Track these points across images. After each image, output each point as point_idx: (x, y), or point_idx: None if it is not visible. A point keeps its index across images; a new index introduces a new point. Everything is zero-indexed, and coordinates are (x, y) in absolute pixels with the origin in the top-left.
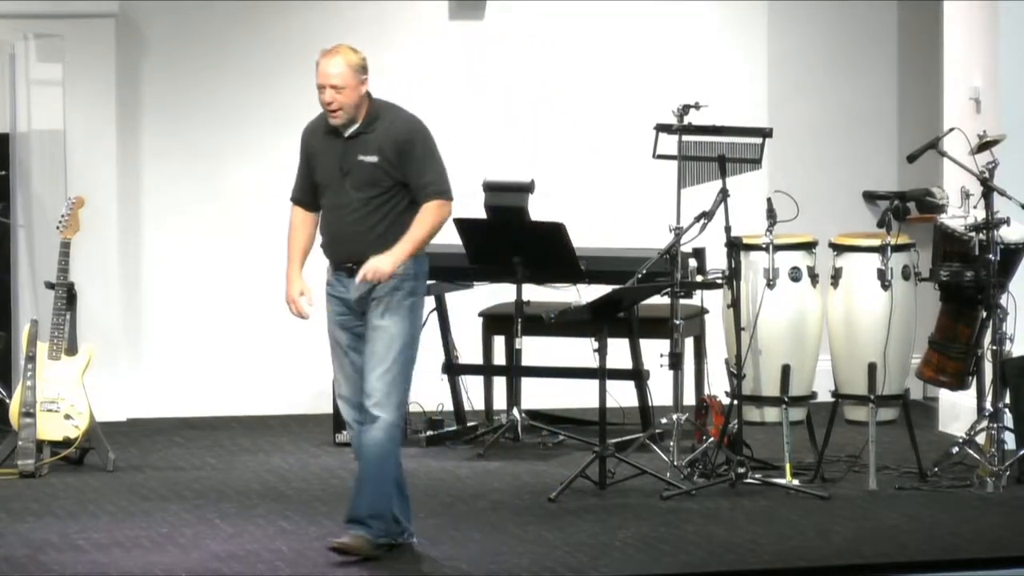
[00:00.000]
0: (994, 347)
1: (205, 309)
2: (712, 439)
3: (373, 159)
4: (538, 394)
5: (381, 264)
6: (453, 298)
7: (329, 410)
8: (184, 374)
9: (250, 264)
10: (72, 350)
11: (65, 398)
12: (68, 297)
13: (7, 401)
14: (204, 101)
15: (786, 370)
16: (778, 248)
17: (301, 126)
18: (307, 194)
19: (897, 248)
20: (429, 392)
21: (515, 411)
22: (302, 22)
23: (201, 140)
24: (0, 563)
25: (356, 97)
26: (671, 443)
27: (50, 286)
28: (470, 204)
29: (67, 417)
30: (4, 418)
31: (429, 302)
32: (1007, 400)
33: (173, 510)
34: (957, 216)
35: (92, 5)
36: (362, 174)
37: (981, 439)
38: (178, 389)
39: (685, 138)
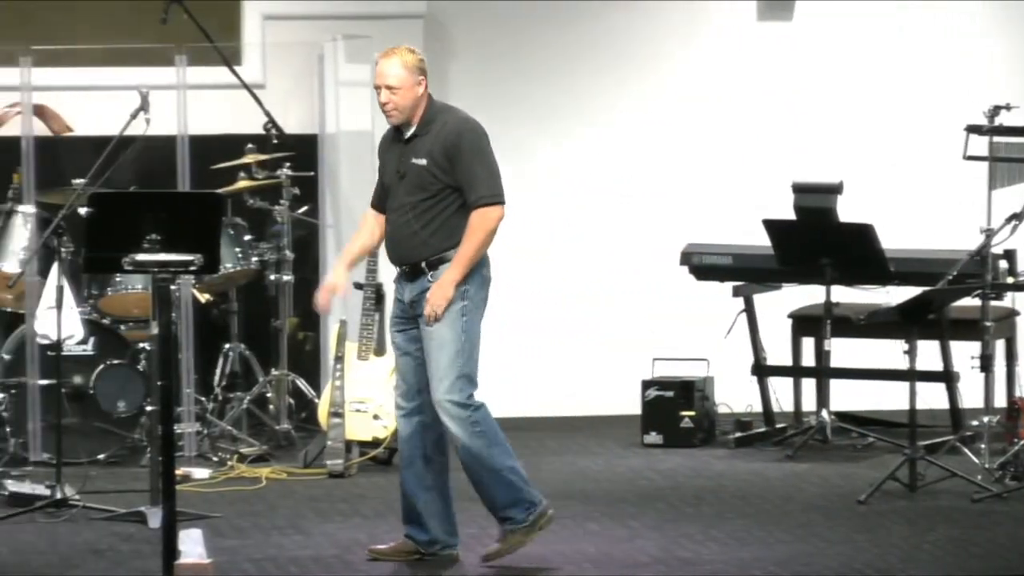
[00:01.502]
0: None
1: (512, 309)
2: (1023, 442)
3: (422, 162)
4: (847, 395)
5: (434, 298)
6: (762, 299)
7: (637, 411)
8: (491, 375)
9: (558, 261)
10: (381, 350)
11: (373, 398)
12: (376, 297)
13: (316, 401)
14: (511, 100)
15: None
16: None
17: (605, 123)
18: (380, 199)
19: None
20: (738, 394)
21: (824, 412)
22: (609, 22)
23: (508, 138)
24: (308, 563)
25: (412, 98)
26: (982, 445)
27: (359, 286)
28: (779, 206)
29: (375, 417)
30: (313, 418)
31: (738, 303)
32: None
33: (480, 511)
34: None
35: (401, 6)
36: (414, 177)
37: None
38: (486, 390)
39: (996, 139)
